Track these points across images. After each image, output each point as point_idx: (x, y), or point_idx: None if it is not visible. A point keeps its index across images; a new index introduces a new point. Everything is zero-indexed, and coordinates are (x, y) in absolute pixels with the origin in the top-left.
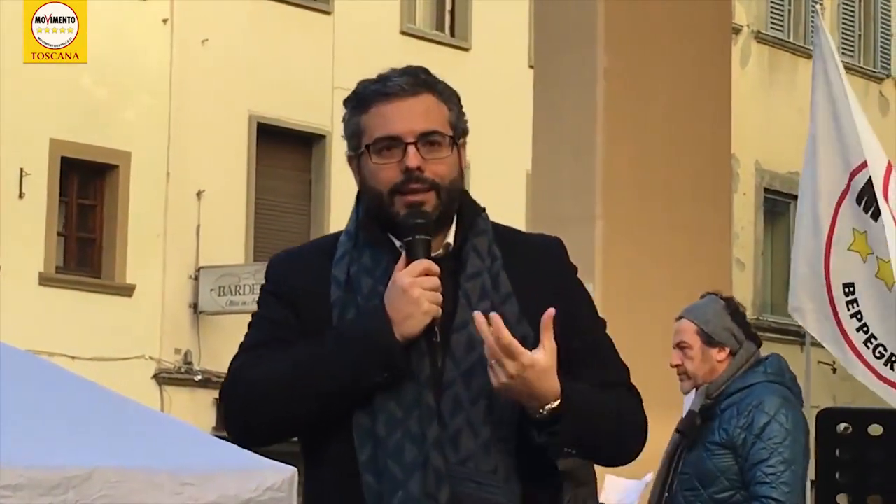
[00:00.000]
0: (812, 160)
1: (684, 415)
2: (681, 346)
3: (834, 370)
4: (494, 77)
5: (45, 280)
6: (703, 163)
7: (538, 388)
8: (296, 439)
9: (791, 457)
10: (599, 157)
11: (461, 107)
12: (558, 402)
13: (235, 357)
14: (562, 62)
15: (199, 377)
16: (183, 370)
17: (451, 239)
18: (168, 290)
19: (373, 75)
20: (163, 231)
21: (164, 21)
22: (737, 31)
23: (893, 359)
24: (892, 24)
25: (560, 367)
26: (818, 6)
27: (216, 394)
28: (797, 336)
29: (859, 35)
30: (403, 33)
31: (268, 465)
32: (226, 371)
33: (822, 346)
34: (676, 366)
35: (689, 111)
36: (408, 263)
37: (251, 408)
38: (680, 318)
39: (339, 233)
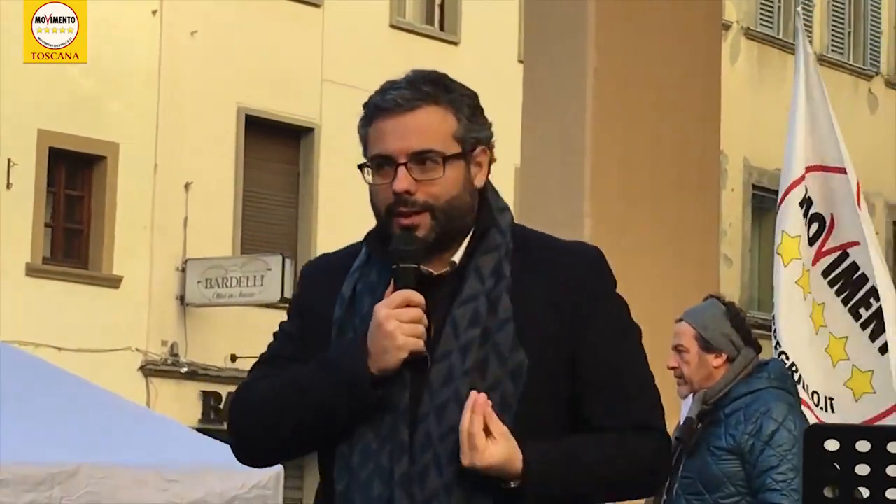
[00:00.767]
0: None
1: (682, 421)
2: (678, 349)
3: None
4: (484, 71)
5: (32, 271)
6: (692, 161)
7: (497, 471)
8: None
9: (800, 464)
10: (588, 155)
11: (476, 111)
12: (519, 480)
13: (251, 367)
14: (551, 61)
15: (186, 369)
16: (169, 362)
17: (458, 257)
18: (155, 282)
19: (361, 69)
20: (150, 223)
21: (154, 13)
22: (726, 27)
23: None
24: (882, 22)
25: (572, 401)
26: (800, 9)
27: (202, 386)
28: None
29: (849, 32)
30: (393, 27)
31: None
32: (212, 363)
33: None
34: (673, 368)
35: (679, 109)
36: (395, 291)
37: (243, 427)
38: (680, 320)
39: None
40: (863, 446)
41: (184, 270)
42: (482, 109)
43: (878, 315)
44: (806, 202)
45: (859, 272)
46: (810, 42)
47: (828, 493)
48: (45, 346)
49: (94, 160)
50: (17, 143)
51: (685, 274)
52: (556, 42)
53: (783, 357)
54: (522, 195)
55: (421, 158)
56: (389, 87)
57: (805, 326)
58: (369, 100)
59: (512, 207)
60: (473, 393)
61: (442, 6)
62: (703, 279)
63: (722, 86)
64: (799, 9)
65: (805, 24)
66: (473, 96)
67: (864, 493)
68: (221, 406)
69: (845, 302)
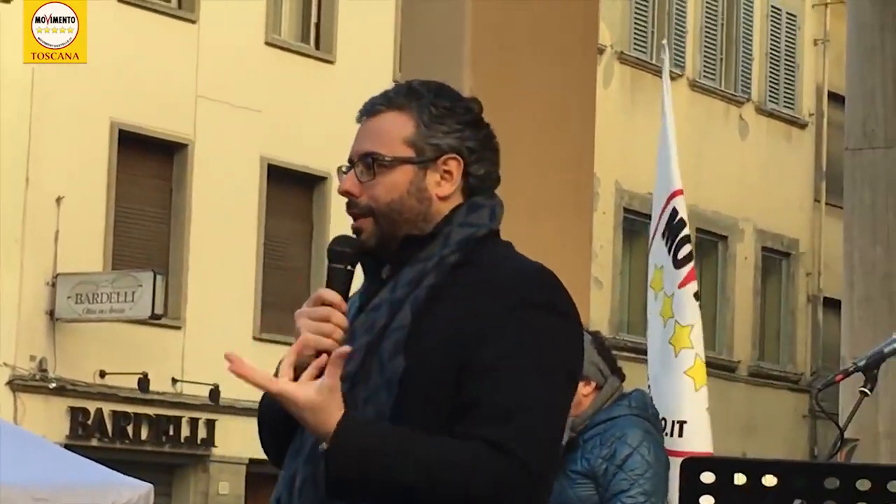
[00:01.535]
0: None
1: None
2: None
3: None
4: (359, 90)
5: None
6: (567, 184)
7: (310, 424)
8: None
9: (651, 489)
10: None
11: (442, 119)
12: (330, 441)
13: None
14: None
15: (54, 385)
16: (38, 377)
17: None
18: (25, 297)
19: (236, 85)
20: (21, 237)
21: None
22: (600, 51)
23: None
24: (754, 48)
25: (453, 415)
26: (664, 42)
27: (71, 402)
28: None
29: (721, 59)
30: (268, 44)
31: (124, 481)
32: (81, 379)
33: None
34: None
35: (554, 132)
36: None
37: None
38: None
39: None
40: (739, 479)
41: (54, 285)
42: (459, 116)
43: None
44: (679, 224)
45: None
46: (682, 68)
47: None
48: None
49: None
50: None
51: None
52: (432, 63)
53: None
54: None
55: (366, 161)
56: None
57: (666, 351)
58: None
59: None
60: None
61: (318, 25)
62: (576, 301)
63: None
64: (664, 41)
65: (677, 50)
66: (445, 105)
67: None
68: (90, 422)
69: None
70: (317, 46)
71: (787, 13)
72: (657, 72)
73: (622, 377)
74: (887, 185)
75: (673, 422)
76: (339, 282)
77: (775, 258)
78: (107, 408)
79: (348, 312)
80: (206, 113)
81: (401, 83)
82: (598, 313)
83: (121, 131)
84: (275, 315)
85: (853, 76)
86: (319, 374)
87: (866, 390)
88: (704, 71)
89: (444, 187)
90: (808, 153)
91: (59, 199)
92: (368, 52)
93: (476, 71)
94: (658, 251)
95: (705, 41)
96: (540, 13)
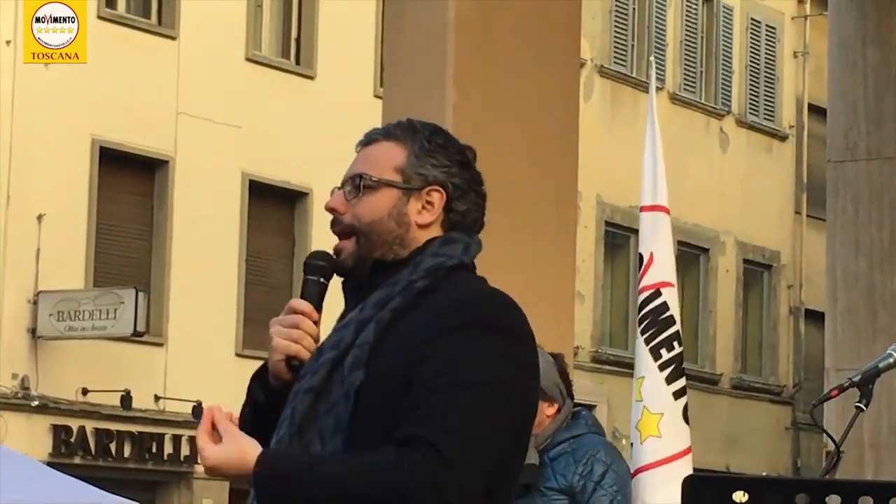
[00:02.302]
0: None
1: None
2: None
3: None
4: (339, 106)
5: None
6: (550, 199)
7: (228, 471)
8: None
9: (626, 503)
10: None
11: (433, 152)
12: (253, 477)
13: None
14: (409, 98)
15: (37, 403)
16: (20, 395)
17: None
18: (6, 315)
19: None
20: (2, 255)
21: (8, 43)
22: (581, 64)
23: None
24: (734, 61)
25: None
26: (652, 59)
27: (54, 420)
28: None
29: (701, 72)
30: (249, 60)
31: (107, 499)
32: (63, 397)
33: None
34: None
35: (537, 146)
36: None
37: None
38: None
39: None
40: (740, 497)
41: (35, 303)
42: (450, 155)
43: (678, 360)
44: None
45: (668, 313)
46: (662, 81)
47: None
48: None
49: None
50: None
51: (542, 311)
52: (414, 79)
53: None
54: None
55: (355, 181)
56: None
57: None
58: None
59: None
60: (210, 406)
61: (298, 40)
62: (560, 317)
63: None
64: (652, 58)
65: (658, 63)
66: (439, 142)
67: None
68: (72, 440)
69: (648, 341)
70: (297, 62)
71: (767, 26)
72: (638, 85)
73: (573, 398)
74: (870, 197)
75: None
76: (312, 293)
77: (757, 270)
78: (89, 425)
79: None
80: (186, 129)
81: (402, 120)
82: (580, 326)
83: (102, 148)
84: (257, 331)
85: (835, 89)
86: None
87: (862, 406)
88: (684, 84)
89: (424, 216)
90: (789, 165)
91: (40, 217)
92: (349, 68)
93: (459, 87)
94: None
95: (685, 54)
96: (522, 28)
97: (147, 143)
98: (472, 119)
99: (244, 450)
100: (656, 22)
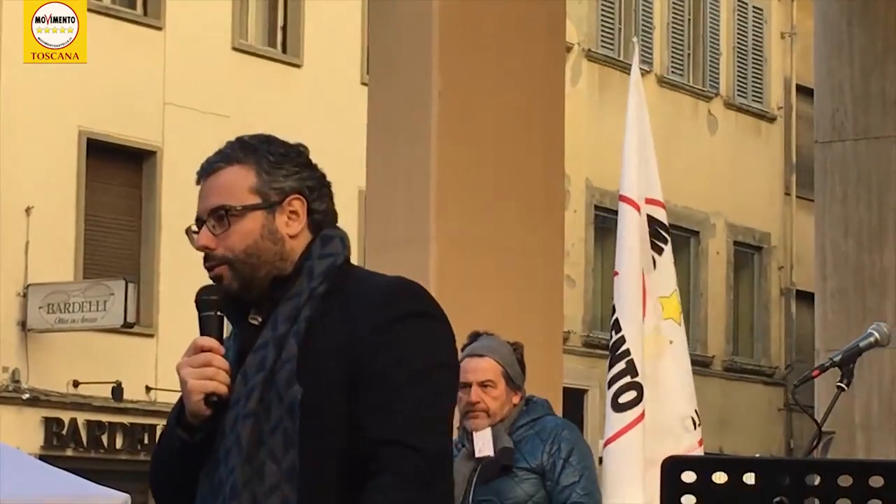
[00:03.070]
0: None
1: (487, 451)
2: (486, 384)
3: None
4: (326, 93)
5: None
6: (537, 183)
7: None
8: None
9: (595, 478)
10: (434, 178)
11: (281, 163)
12: None
13: None
14: (395, 85)
15: (27, 396)
16: (11, 388)
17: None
18: None
19: (203, 91)
20: None
21: None
22: (567, 49)
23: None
24: (721, 43)
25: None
26: (635, 40)
27: (45, 412)
28: None
29: (689, 54)
30: (235, 49)
31: (99, 491)
32: (54, 389)
33: None
34: (475, 403)
35: (523, 131)
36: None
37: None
38: (481, 356)
39: None
40: (719, 477)
41: (25, 296)
42: (294, 160)
43: (614, 347)
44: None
45: (612, 302)
46: (650, 64)
47: None
48: None
49: None
50: None
51: (531, 296)
52: (400, 65)
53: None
54: (368, 219)
55: (217, 215)
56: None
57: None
58: None
59: (356, 231)
60: None
61: (284, 28)
62: (549, 301)
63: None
64: (635, 40)
65: (645, 46)
66: (280, 151)
67: None
68: (64, 432)
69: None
70: (283, 50)
71: (754, 7)
72: (626, 69)
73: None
74: (858, 177)
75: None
76: (212, 328)
77: (747, 252)
78: (81, 417)
79: (226, 356)
80: (174, 119)
81: (231, 140)
82: (571, 311)
83: (89, 140)
84: None
85: (821, 70)
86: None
87: (843, 385)
88: (672, 66)
89: (292, 226)
90: (778, 146)
91: (28, 210)
92: (335, 55)
93: (444, 73)
94: (664, 280)
95: (672, 37)
96: (506, 13)
97: (134, 133)
98: (457, 105)
99: None
100: (643, 4)
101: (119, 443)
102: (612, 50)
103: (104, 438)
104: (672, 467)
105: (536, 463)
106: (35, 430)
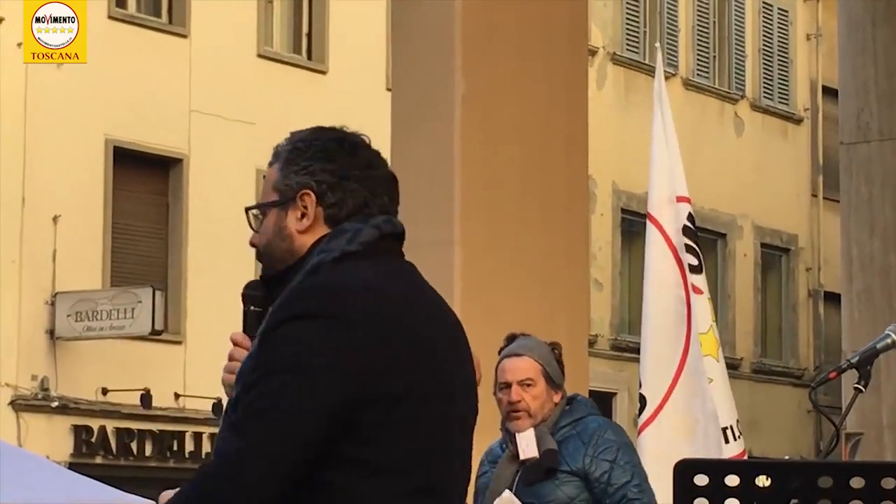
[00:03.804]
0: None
1: (531, 453)
2: (525, 383)
3: None
4: (351, 99)
5: None
6: (561, 186)
7: None
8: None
9: (644, 475)
10: (457, 182)
11: (294, 157)
12: None
13: None
14: (418, 89)
15: (57, 404)
16: (40, 397)
17: None
18: (24, 316)
19: (229, 98)
20: (18, 256)
21: (19, 45)
22: (592, 53)
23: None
24: (747, 45)
25: None
26: (657, 45)
27: (74, 420)
28: None
29: (714, 56)
30: (260, 56)
31: (126, 498)
32: (83, 397)
33: None
34: (516, 402)
35: (546, 135)
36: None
37: None
38: (519, 355)
39: None
40: (732, 480)
41: (53, 304)
42: (308, 154)
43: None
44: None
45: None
46: (675, 67)
47: None
48: None
49: None
50: None
51: (555, 299)
52: (423, 70)
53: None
54: None
55: (248, 217)
56: None
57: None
58: None
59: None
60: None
61: (309, 35)
62: (574, 303)
63: (589, 111)
64: (657, 44)
65: (670, 49)
66: (299, 146)
67: None
68: (93, 440)
69: None
70: (309, 57)
71: (779, 9)
72: (651, 71)
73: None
74: (883, 178)
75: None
76: (249, 323)
77: (775, 254)
78: (110, 425)
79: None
80: (200, 127)
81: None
82: (598, 314)
83: (115, 148)
84: None
85: (846, 71)
86: None
87: (860, 387)
88: (698, 69)
89: (302, 223)
90: (804, 148)
91: (55, 218)
92: (360, 61)
93: (467, 77)
94: (700, 316)
95: (698, 39)
96: (528, 16)
97: (160, 141)
98: (481, 109)
99: None
100: (668, 7)
101: (148, 450)
102: (637, 53)
103: (133, 446)
104: (684, 470)
105: (577, 466)
106: (64, 438)
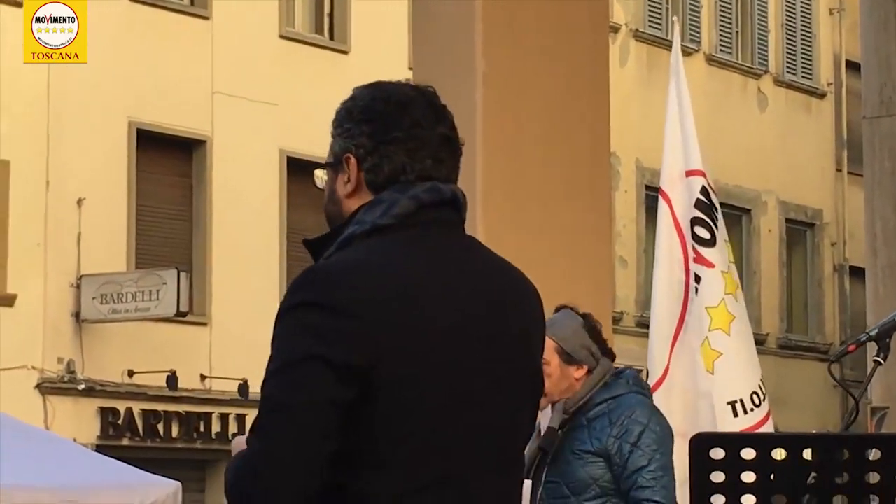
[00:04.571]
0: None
1: (542, 431)
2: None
3: None
4: (374, 79)
5: None
6: (582, 164)
7: None
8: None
9: (667, 462)
10: (479, 161)
11: (341, 119)
12: None
13: None
14: (439, 68)
15: (83, 386)
16: (66, 379)
17: None
18: (49, 299)
19: (251, 80)
20: (43, 239)
21: None
22: (615, 30)
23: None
24: (769, 20)
25: None
26: (674, 20)
27: (101, 403)
28: None
29: (737, 32)
30: (282, 37)
31: (151, 480)
32: (109, 379)
33: None
34: None
35: (568, 112)
36: None
37: None
38: None
39: None
40: (748, 454)
41: (78, 287)
42: (352, 117)
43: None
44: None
45: None
46: (698, 42)
47: (715, 501)
48: None
49: None
50: None
51: (579, 277)
52: (443, 48)
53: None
54: None
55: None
56: None
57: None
58: None
59: None
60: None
61: (331, 15)
62: (598, 281)
63: (612, 88)
64: (674, 17)
65: (693, 25)
66: (345, 105)
67: (751, 500)
68: (120, 422)
69: None
70: (331, 37)
71: None
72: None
73: (613, 357)
74: None
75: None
76: None
77: (800, 229)
78: (136, 407)
79: None
80: (223, 108)
81: None
82: (623, 292)
83: (139, 130)
84: None
85: (868, 45)
86: None
87: (880, 360)
88: (721, 45)
89: (346, 187)
90: (828, 122)
91: (79, 201)
92: (383, 41)
93: (488, 56)
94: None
95: (720, 15)
96: None
97: (184, 123)
98: (502, 87)
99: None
100: None
101: (175, 431)
102: (659, 30)
103: (160, 427)
104: (700, 444)
105: (601, 446)
106: (91, 421)
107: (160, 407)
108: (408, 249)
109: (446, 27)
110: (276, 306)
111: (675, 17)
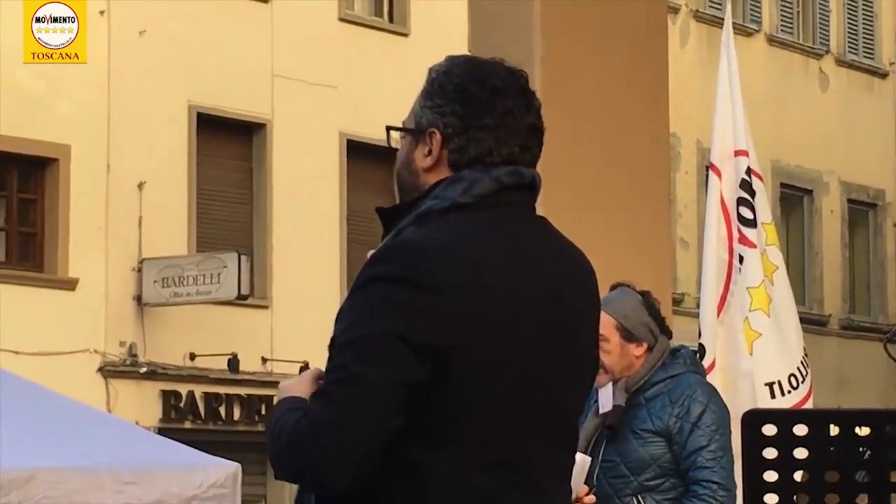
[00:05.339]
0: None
1: (608, 408)
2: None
3: None
4: (434, 61)
5: None
6: (642, 145)
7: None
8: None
9: (726, 443)
10: None
11: (432, 92)
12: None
13: None
14: (497, 51)
15: (145, 370)
16: (128, 363)
17: None
18: (111, 283)
19: (311, 63)
20: (104, 224)
21: (101, 13)
22: (675, 10)
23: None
24: (831, 1)
25: None
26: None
27: (162, 386)
28: None
29: (798, 12)
30: (342, 20)
31: (211, 461)
32: (171, 363)
33: None
34: None
35: (627, 94)
36: None
37: None
38: None
39: None
40: (800, 430)
41: (140, 270)
42: (446, 93)
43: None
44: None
45: None
46: (759, 23)
47: (767, 477)
48: (3, 350)
49: (45, 163)
50: None
51: (638, 258)
52: (502, 31)
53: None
54: None
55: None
56: None
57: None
58: None
59: None
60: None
61: None
62: (657, 263)
63: (672, 69)
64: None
65: (754, 5)
66: (438, 77)
67: (804, 476)
68: (182, 405)
69: None
70: (390, 20)
71: None
72: (735, 28)
73: (670, 335)
74: None
75: (778, 382)
76: None
77: (861, 209)
78: (198, 390)
79: None
80: (283, 91)
81: None
82: (684, 273)
83: (199, 114)
84: None
85: None
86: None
87: None
88: (782, 25)
89: (426, 160)
90: (890, 102)
91: (140, 185)
92: (442, 23)
93: (546, 38)
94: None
95: None
96: None
97: (244, 106)
98: (560, 69)
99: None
100: None
101: (236, 414)
102: (719, 10)
103: (221, 410)
104: (753, 420)
105: (662, 425)
106: (153, 404)
107: (221, 390)
108: (490, 231)
109: (504, 10)
110: (337, 288)
111: (724, 4)
